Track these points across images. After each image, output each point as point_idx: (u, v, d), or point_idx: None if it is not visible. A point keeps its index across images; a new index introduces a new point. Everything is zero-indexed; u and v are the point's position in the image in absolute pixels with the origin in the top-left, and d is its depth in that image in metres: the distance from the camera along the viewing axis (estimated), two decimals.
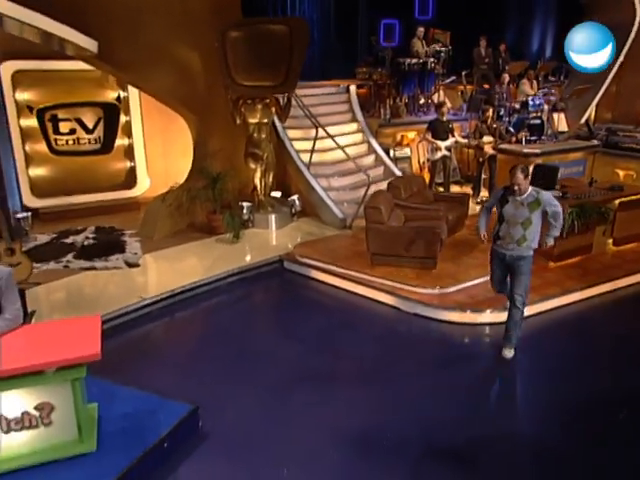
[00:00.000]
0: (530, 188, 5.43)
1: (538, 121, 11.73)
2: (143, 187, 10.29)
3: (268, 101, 8.79)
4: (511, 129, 11.42)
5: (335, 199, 9.41)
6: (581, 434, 4.68)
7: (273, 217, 9.13)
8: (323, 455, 4.40)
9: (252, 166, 9.06)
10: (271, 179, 9.38)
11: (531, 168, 10.15)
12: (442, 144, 10.14)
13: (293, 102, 9.19)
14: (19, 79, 9.02)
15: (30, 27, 6.06)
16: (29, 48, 8.48)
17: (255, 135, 8.95)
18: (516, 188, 5.32)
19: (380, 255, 7.34)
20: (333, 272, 7.51)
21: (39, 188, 9.45)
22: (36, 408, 3.87)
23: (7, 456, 3.90)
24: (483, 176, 10.90)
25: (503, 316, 6.02)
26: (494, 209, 5.82)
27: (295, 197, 9.41)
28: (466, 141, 10.93)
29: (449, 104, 12.21)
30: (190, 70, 8.59)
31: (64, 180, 9.64)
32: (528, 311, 6.39)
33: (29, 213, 8.49)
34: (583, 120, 12.75)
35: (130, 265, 7.56)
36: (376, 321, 6.75)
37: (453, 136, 10.36)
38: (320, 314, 6.95)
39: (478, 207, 9.65)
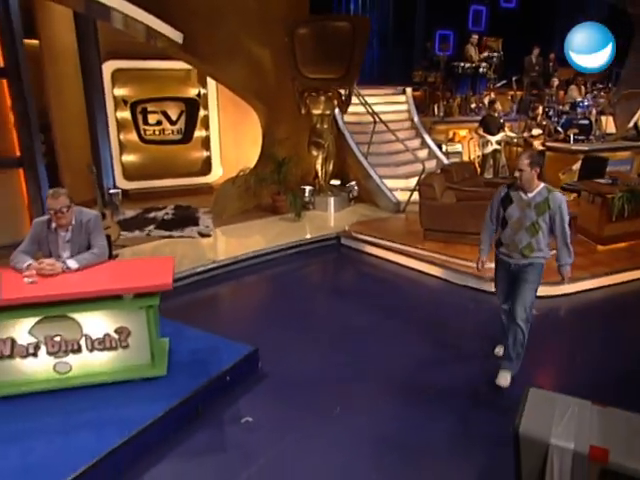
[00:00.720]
0: (541, 185, 4.11)
1: (586, 121, 11.23)
2: (217, 175, 10.45)
3: (330, 94, 8.77)
4: (560, 129, 10.98)
5: (390, 187, 9.28)
6: None
7: (332, 200, 9.08)
8: (373, 396, 4.31)
9: (314, 153, 9.07)
10: (331, 167, 9.36)
11: (578, 163, 9.82)
12: (493, 138, 9.87)
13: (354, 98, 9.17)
14: (117, 76, 9.37)
15: (132, 21, 6.30)
16: (126, 49, 8.89)
17: (318, 125, 8.98)
18: (517, 174, 4.06)
19: (432, 230, 7.17)
20: (386, 246, 7.38)
21: (129, 172, 9.78)
22: (116, 331, 3.96)
23: (90, 372, 4.00)
24: None
25: (554, 289, 5.76)
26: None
27: (353, 183, 9.35)
28: (516, 134, 10.59)
29: (500, 105, 11.89)
30: (261, 64, 8.67)
31: (150, 166, 9.93)
32: (574, 287, 6.08)
33: (120, 190, 8.76)
34: (631, 124, 12.13)
35: (202, 235, 7.71)
36: (426, 290, 6.57)
37: (504, 131, 10.07)
38: (372, 281, 6.88)
39: None
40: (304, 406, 4.17)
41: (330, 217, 8.93)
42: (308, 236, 7.95)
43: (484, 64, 12.45)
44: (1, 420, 3.66)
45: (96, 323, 3.90)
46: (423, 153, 10.58)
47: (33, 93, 7.10)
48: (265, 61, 8.68)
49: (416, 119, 11.27)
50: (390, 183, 9.40)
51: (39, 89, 8.03)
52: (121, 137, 9.63)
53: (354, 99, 9.27)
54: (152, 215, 8.48)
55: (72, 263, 3.98)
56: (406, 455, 3.63)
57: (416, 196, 7.83)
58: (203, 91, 10.07)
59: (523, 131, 10.50)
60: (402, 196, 9.11)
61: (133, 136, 9.75)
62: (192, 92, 10.02)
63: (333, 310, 6.02)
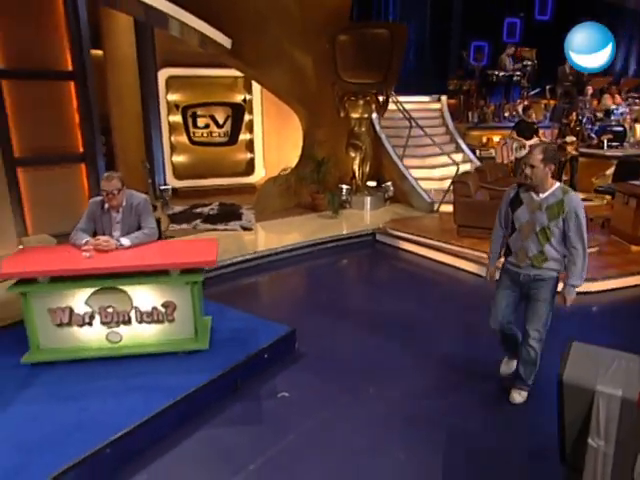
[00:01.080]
0: (556, 185, 3.48)
1: (620, 128, 10.90)
2: (259, 175, 10.57)
3: (369, 98, 8.78)
4: (593, 135, 10.69)
5: (424, 188, 9.20)
6: None
7: (368, 199, 9.05)
8: (406, 379, 4.25)
9: (352, 155, 9.07)
10: (368, 168, 9.32)
11: (612, 169, 9.52)
12: (527, 143, 9.67)
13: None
14: (171, 83, 9.62)
15: (187, 28, 6.48)
16: (179, 58, 9.12)
17: (356, 128, 8.99)
18: (527, 171, 3.43)
19: (466, 227, 7.04)
20: (420, 242, 7.30)
21: (179, 171, 9.99)
22: (163, 305, 4.04)
23: (139, 343, 4.09)
24: (564, 177, 10.24)
25: (588, 286, 5.51)
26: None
27: (389, 183, 9.30)
28: (549, 140, 10.34)
29: (533, 113, 11.65)
30: (303, 70, 8.74)
31: (198, 166, 10.12)
32: (605, 285, 5.88)
33: (170, 187, 8.97)
34: None
35: (245, 229, 7.81)
36: (459, 284, 6.46)
37: (537, 136, 9.84)
38: (406, 275, 6.81)
39: None
40: (338, 385, 4.14)
41: (366, 215, 8.90)
42: (345, 232, 7.94)
43: (518, 73, 12.23)
44: (60, 382, 3.80)
45: (145, 297, 3.99)
46: (457, 157, 10.40)
47: (97, 98, 7.42)
48: (307, 67, 8.75)
49: (450, 125, 11.15)
50: (424, 184, 9.31)
51: (102, 96, 8.34)
52: (172, 139, 9.86)
53: (391, 105, 9.25)
54: (199, 210, 8.61)
55: (125, 240, 4.09)
56: (437, 436, 3.56)
57: (450, 197, 7.76)
58: (248, 97, 10.22)
59: (557, 138, 10.24)
60: (436, 197, 9.02)
61: (183, 138, 9.97)
62: (238, 98, 10.19)
63: (368, 299, 6.00)
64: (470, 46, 13.55)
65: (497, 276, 3.92)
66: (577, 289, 3.59)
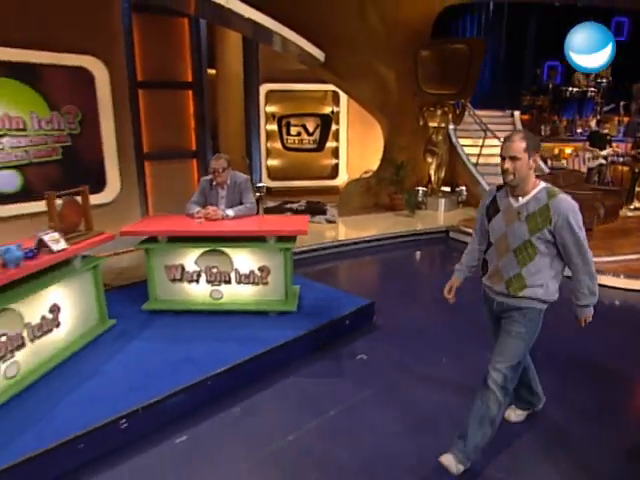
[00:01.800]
0: (540, 186, 2.40)
1: None
2: (342, 179, 10.65)
3: (446, 108, 8.62)
4: None
5: None
6: None
7: (442, 201, 8.86)
8: (478, 353, 4.07)
9: (429, 160, 8.93)
10: (443, 174, 9.15)
11: None
12: (600, 153, 9.07)
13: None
14: (269, 96, 9.98)
15: (288, 42, 6.68)
16: (278, 75, 9.45)
17: (433, 137, 8.86)
18: (508, 166, 2.32)
19: None
20: None
21: (272, 173, 10.32)
22: (259, 269, 4.16)
23: (237, 301, 4.25)
24: (637, 188, 9.47)
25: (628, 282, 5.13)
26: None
27: (463, 188, 9.05)
28: (623, 150, 9.63)
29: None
30: (386, 83, 8.75)
31: (289, 169, 10.39)
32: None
33: (264, 185, 9.26)
34: None
35: (329, 222, 7.90)
36: None
37: (610, 147, 9.21)
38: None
39: (630, 213, 8.44)
40: (413, 354, 4.06)
41: (440, 216, 8.70)
42: (419, 228, 7.81)
43: (592, 89, 11.51)
44: (171, 327, 4.03)
45: (244, 260, 4.15)
46: None
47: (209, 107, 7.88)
48: (390, 80, 8.75)
49: None
50: None
51: (212, 106, 8.81)
52: (268, 145, 10.21)
53: (466, 117, 9.04)
54: (289, 206, 8.77)
55: (229, 211, 4.28)
56: None
57: None
58: (336, 109, 10.37)
59: (632, 149, 9.50)
60: None
61: (277, 144, 10.29)
62: (327, 110, 10.37)
63: (440, 287, 5.81)
64: (544, 65, 12.93)
65: (452, 293, 2.96)
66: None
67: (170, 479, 2.66)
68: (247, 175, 4.60)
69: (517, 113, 11.19)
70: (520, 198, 2.42)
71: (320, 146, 10.49)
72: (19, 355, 3.14)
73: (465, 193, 9.02)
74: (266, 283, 4.19)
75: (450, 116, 8.75)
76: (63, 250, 3.35)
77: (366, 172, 8.97)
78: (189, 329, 3.97)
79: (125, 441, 2.89)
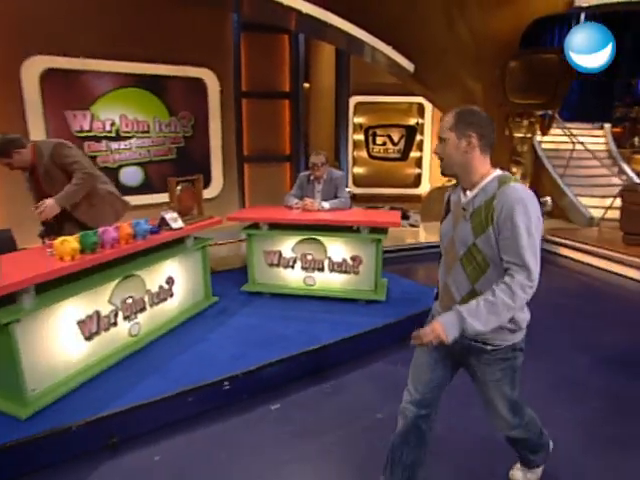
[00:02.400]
0: (493, 174, 1.74)
1: None
2: (424, 188, 10.46)
3: (533, 119, 8.18)
4: None
5: (583, 204, 8.24)
6: None
7: None
8: (574, 352, 3.81)
9: (514, 170, 8.47)
10: (527, 185, 8.66)
11: None
12: None
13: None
14: (358, 108, 10.09)
15: (378, 53, 6.74)
16: (366, 88, 9.53)
17: (518, 147, 8.41)
18: (438, 150, 1.78)
19: (633, 235, 6.10)
20: (581, 249, 6.51)
21: (358, 180, 10.39)
22: (351, 258, 4.17)
23: (328, 288, 4.28)
24: None
25: None
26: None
27: (547, 198, 8.52)
28: None
29: None
30: (473, 94, 8.46)
31: (374, 176, 10.39)
32: None
33: (350, 190, 9.32)
34: None
35: (411, 226, 7.78)
36: (626, 291, 5.58)
37: None
38: (566, 278, 6.05)
39: None
40: None
41: None
42: None
43: None
44: (267, 307, 4.14)
45: (337, 249, 4.18)
46: (620, 180, 9.18)
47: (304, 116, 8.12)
48: (476, 91, 8.46)
49: (614, 149, 9.86)
50: (584, 201, 8.34)
51: (305, 116, 9.04)
52: (354, 153, 10.30)
53: (553, 129, 8.51)
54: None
55: (325, 204, 4.34)
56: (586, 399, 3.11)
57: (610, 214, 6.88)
58: (421, 121, 10.24)
59: None
60: (595, 213, 8.00)
61: (363, 153, 10.34)
62: (412, 121, 10.27)
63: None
64: (638, 80, 11.89)
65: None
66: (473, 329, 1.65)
67: (266, 442, 2.71)
68: (342, 172, 4.65)
69: (607, 125, 10.36)
70: (468, 192, 1.79)
71: (404, 156, 10.39)
72: (141, 317, 3.38)
73: (550, 203, 8.47)
74: (357, 272, 4.19)
75: (537, 127, 8.28)
76: (180, 228, 3.58)
77: (449, 180, 8.71)
78: (283, 310, 4.06)
79: (226, 401, 3.01)
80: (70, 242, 2.73)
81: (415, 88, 8.54)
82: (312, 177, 4.51)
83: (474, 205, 1.74)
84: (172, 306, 3.72)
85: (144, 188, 6.04)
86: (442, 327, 1.65)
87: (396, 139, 10.28)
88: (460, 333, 1.65)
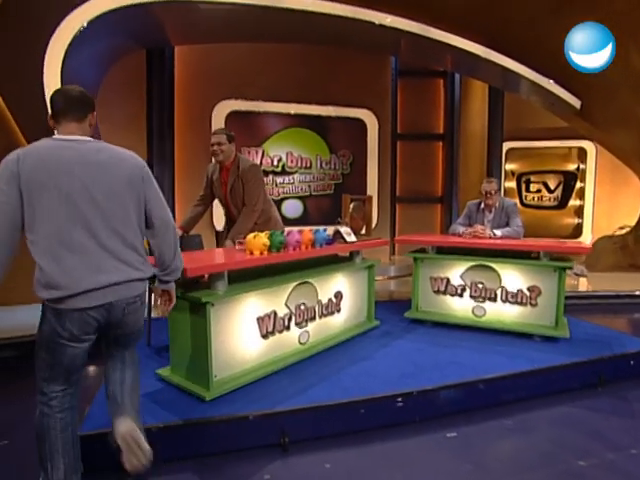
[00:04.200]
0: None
1: None
2: (586, 239, 9.26)
3: None
4: None
5: None
6: None
7: None
8: None
9: None
10: None
11: None
12: None
13: None
14: (510, 154, 9.56)
15: (539, 88, 6.39)
16: (520, 133, 9.04)
17: None
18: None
19: None
20: None
21: None
22: (528, 289, 3.73)
23: (500, 320, 3.85)
24: None
25: None
26: None
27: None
28: None
29: None
30: None
31: (527, 226, 9.45)
32: None
33: None
34: None
35: (577, 275, 6.86)
36: None
37: None
38: None
39: None
40: None
41: None
42: None
43: None
44: (432, 334, 3.85)
45: (513, 278, 3.78)
46: None
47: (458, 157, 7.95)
48: None
49: None
50: None
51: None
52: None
53: None
54: None
55: (497, 232, 4.03)
56: None
57: None
58: (582, 166, 9.32)
59: None
60: None
61: (515, 200, 9.64)
62: (571, 167, 9.40)
63: None
64: None
65: None
66: None
67: (442, 470, 2.38)
68: (515, 200, 4.31)
69: None
70: None
71: (562, 204, 9.48)
72: (310, 326, 3.35)
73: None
74: (534, 304, 3.71)
75: None
76: (353, 243, 3.56)
77: (621, 228, 7.65)
78: (449, 338, 3.73)
79: (398, 420, 2.75)
80: (261, 237, 2.85)
81: (581, 127, 7.86)
82: (482, 206, 4.25)
83: None
84: (338, 321, 3.65)
85: (303, 220, 6.32)
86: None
87: (552, 186, 9.47)
88: None
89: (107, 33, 4.63)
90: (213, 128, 5.84)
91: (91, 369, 3.49)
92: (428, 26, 5.18)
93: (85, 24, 4.12)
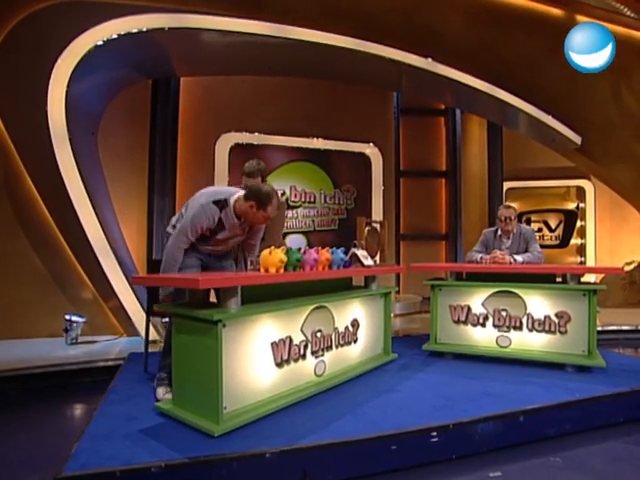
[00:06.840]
0: None
1: None
2: (590, 279, 9.12)
3: None
4: None
5: None
6: None
7: None
8: None
9: None
10: None
11: None
12: None
13: None
14: (509, 193, 9.52)
15: (539, 123, 6.44)
16: (519, 173, 9.09)
17: None
18: None
19: None
20: None
21: None
22: (556, 315, 3.49)
23: (527, 349, 3.58)
24: None
25: None
26: None
27: None
28: None
29: None
30: None
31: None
32: None
33: None
34: None
35: None
36: None
37: None
38: None
39: None
40: None
41: None
42: None
43: None
44: (455, 367, 3.56)
45: (539, 304, 3.54)
46: None
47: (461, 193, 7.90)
48: None
49: None
50: None
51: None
52: None
53: None
54: None
55: (518, 257, 3.86)
56: None
57: None
58: (581, 205, 9.32)
59: None
60: None
61: (533, 227, 9.55)
62: (571, 205, 9.39)
63: None
64: None
65: None
66: None
67: None
68: (532, 227, 4.17)
69: None
70: None
71: (563, 243, 9.38)
72: (327, 356, 3.06)
73: None
74: (564, 332, 3.46)
75: None
76: (370, 267, 3.34)
77: (628, 263, 7.52)
78: (474, 370, 3.43)
79: (433, 458, 2.42)
80: (278, 253, 2.63)
81: (580, 163, 7.92)
82: (499, 232, 4.10)
83: None
84: (355, 353, 3.36)
85: None
86: None
87: (553, 225, 9.41)
88: None
89: (113, 62, 4.60)
90: (216, 160, 5.74)
91: (79, 405, 3.13)
92: (434, 61, 5.25)
93: (91, 49, 4.08)
